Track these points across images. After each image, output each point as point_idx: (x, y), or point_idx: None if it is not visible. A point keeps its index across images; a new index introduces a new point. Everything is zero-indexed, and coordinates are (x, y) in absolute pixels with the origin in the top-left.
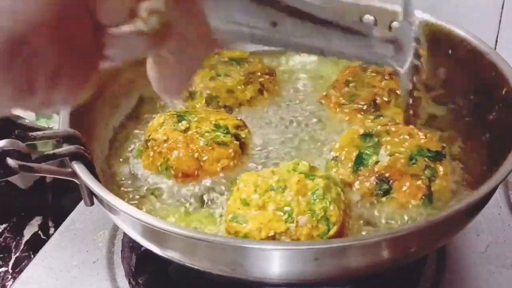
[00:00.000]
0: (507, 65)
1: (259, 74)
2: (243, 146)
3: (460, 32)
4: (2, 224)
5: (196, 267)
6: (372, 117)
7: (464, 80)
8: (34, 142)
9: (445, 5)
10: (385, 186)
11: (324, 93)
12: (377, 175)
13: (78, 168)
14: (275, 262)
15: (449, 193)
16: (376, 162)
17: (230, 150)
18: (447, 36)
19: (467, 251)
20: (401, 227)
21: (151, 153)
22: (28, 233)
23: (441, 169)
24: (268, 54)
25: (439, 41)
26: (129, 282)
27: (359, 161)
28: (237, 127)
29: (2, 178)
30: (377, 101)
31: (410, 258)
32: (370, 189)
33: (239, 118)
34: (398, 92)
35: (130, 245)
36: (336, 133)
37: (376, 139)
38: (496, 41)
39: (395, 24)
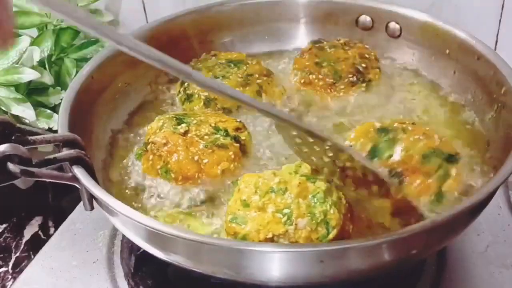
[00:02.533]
0: (506, 66)
1: (257, 75)
2: (243, 149)
3: (459, 32)
4: (2, 224)
5: (200, 271)
6: (364, 84)
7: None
8: (33, 146)
9: (445, 5)
10: (397, 180)
11: (302, 80)
12: (390, 169)
13: (79, 172)
14: (280, 265)
15: (459, 195)
16: (390, 156)
17: (230, 153)
18: (446, 37)
19: (467, 251)
20: (406, 228)
21: (151, 157)
22: (28, 233)
23: (453, 171)
24: (265, 55)
25: (438, 42)
26: (128, 283)
27: (373, 153)
28: (237, 129)
29: (3, 183)
30: (360, 70)
31: (414, 259)
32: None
33: (238, 120)
34: (366, 56)
35: (129, 246)
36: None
37: (391, 135)
38: (496, 41)
39: (391, 24)
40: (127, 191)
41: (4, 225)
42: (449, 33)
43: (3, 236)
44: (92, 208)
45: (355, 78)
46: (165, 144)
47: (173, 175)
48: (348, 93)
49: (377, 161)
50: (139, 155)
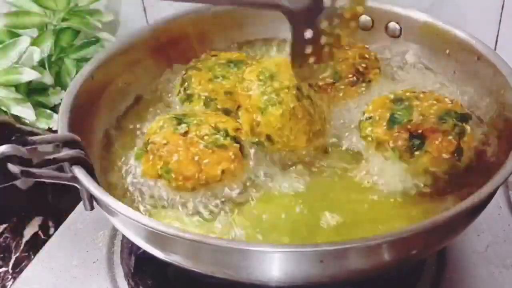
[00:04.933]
0: (506, 66)
1: None
2: (243, 149)
3: (460, 32)
4: (2, 224)
5: (199, 271)
6: (364, 85)
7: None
8: (33, 146)
9: (445, 5)
10: (418, 141)
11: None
12: (410, 131)
13: (79, 172)
14: (280, 265)
15: (475, 151)
16: (409, 121)
17: (230, 153)
18: (446, 37)
19: (467, 251)
20: (406, 228)
21: (151, 157)
22: (28, 233)
23: (468, 128)
24: (265, 56)
25: (438, 42)
26: (128, 283)
27: (393, 120)
28: (237, 129)
29: (4, 184)
30: (360, 70)
31: (414, 259)
32: (403, 145)
33: (238, 120)
34: (366, 56)
35: (129, 246)
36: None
37: (407, 103)
38: (496, 41)
39: (391, 24)
40: (127, 191)
41: (4, 225)
42: (449, 33)
43: (3, 236)
44: (92, 208)
45: (355, 78)
46: (165, 145)
47: (173, 175)
48: (348, 93)
49: (398, 127)
50: (139, 155)
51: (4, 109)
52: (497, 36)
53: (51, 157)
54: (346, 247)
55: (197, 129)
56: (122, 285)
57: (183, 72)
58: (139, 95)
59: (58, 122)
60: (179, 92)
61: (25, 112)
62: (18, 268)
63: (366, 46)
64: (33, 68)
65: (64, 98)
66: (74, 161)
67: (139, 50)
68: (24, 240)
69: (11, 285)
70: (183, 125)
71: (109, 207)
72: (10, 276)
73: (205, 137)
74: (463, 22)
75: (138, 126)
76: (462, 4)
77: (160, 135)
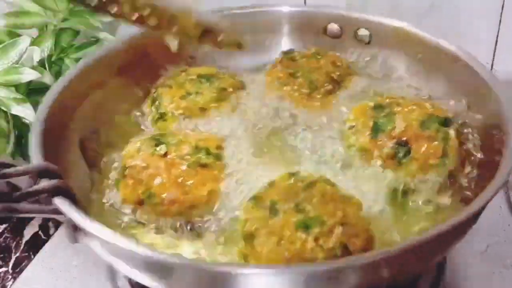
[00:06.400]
0: (480, 65)
1: (231, 89)
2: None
3: (429, 36)
4: (2, 224)
5: None
6: (340, 92)
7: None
8: (7, 180)
9: (445, 5)
10: (404, 149)
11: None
12: (395, 140)
13: (61, 204)
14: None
15: (460, 155)
16: (393, 128)
17: (215, 172)
18: (416, 41)
19: (467, 251)
20: (407, 237)
21: (131, 182)
22: (28, 233)
23: (451, 132)
24: (241, 67)
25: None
26: (128, 283)
27: (376, 128)
28: (218, 147)
29: None
30: (334, 78)
31: (410, 274)
32: (390, 154)
33: (219, 135)
34: (338, 64)
35: None
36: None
37: (388, 110)
38: (496, 41)
39: (361, 31)
40: (110, 218)
41: (4, 225)
42: (418, 36)
43: (3, 236)
44: (77, 241)
45: (331, 86)
46: (145, 168)
47: (157, 200)
48: (325, 102)
49: (382, 135)
50: (117, 182)
51: (4, 109)
52: (497, 36)
53: (30, 189)
54: (338, 267)
55: (177, 149)
56: (122, 285)
57: (153, 90)
58: (111, 115)
59: (32, 151)
60: (151, 111)
61: (25, 112)
62: (18, 268)
63: (336, 54)
64: (33, 68)
65: (33, 129)
66: (54, 191)
67: (105, 70)
68: (24, 240)
69: (11, 285)
70: (162, 146)
71: (99, 236)
72: (10, 276)
73: (187, 157)
74: (462, 22)
75: (113, 149)
76: (461, 5)
77: (139, 158)
